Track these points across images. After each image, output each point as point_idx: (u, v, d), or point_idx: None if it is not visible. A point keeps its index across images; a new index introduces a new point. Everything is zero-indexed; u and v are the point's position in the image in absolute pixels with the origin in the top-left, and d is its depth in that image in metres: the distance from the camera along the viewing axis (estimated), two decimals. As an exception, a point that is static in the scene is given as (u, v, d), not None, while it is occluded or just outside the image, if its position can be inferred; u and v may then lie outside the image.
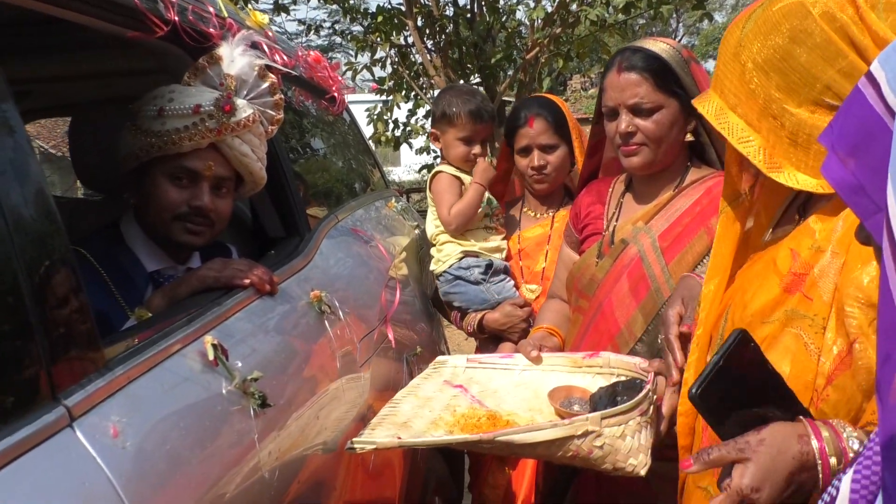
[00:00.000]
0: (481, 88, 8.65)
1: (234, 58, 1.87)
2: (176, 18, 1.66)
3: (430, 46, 9.93)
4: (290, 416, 1.58)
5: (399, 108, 10.05)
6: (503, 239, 2.83)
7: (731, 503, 1.15)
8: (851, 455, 1.10)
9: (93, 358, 1.14)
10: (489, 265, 2.74)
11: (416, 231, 3.40)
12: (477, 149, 2.77)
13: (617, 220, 2.20)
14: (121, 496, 1.03)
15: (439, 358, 2.09)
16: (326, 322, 1.91)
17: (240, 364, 1.44)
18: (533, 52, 9.32)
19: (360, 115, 6.68)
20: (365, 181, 3.63)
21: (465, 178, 2.77)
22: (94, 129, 2.26)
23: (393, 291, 2.38)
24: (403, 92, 9.86)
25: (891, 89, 0.77)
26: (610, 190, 2.30)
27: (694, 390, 1.22)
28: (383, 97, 10.11)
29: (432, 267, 2.84)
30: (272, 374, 1.55)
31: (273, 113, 1.97)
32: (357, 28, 11.21)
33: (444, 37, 9.77)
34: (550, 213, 2.84)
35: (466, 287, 2.74)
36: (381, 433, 1.63)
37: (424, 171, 11.04)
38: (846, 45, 1.21)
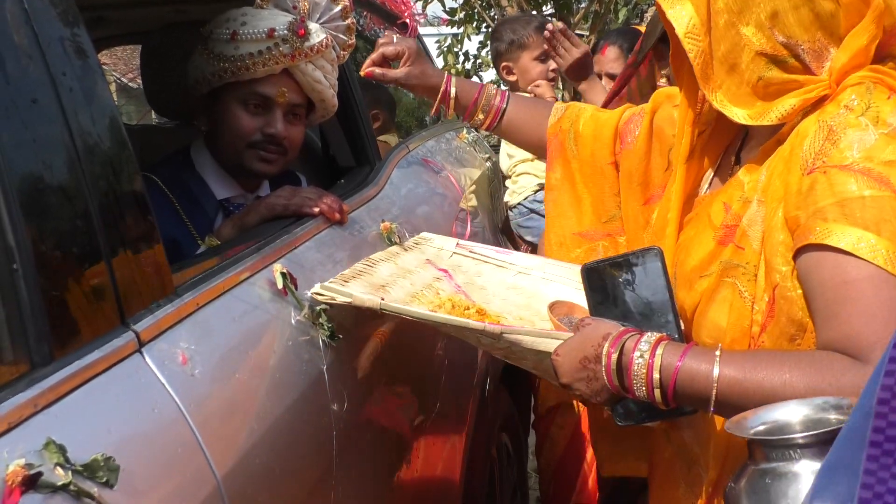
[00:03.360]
0: (555, 20, 8.43)
1: (306, -21, 1.82)
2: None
3: (502, -25, 9.68)
4: (359, 349, 1.56)
5: (469, 39, 9.86)
6: None
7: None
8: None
9: (162, 284, 1.13)
10: None
11: (488, 163, 3.33)
12: (552, 64, 2.72)
13: None
14: (189, 423, 1.03)
15: (425, 234, 1.92)
16: (396, 253, 1.88)
17: (309, 294, 1.42)
18: (609, -18, 9.01)
19: (430, 48, 6.57)
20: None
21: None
22: (166, 53, 2.24)
23: (464, 223, 2.33)
24: (475, 23, 9.67)
25: None
26: None
27: (586, 265, 1.35)
28: (454, 29, 9.93)
29: (507, 198, 2.78)
30: (342, 306, 1.53)
31: (345, 38, 1.92)
32: (429, -44, 10.97)
33: (517, -35, 9.50)
34: None
35: (540, 221, 2.68)
36: (357, 288, 1.44)
37: (495, 104, 10.85)
38: None
